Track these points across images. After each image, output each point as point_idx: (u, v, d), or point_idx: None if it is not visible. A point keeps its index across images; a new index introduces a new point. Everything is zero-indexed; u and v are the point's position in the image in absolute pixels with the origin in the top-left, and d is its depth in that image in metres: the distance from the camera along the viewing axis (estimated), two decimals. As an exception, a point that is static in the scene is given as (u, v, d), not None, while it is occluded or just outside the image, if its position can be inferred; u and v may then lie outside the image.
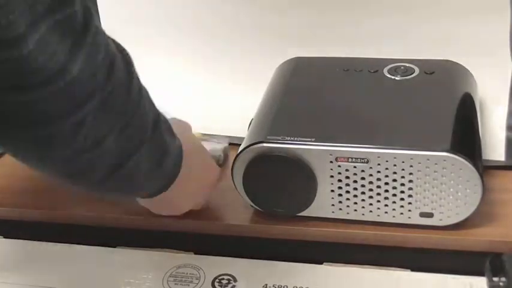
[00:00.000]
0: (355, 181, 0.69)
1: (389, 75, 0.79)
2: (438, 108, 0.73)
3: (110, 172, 0.54)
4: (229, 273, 0.72)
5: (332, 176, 0.69)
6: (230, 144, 0.78)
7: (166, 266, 0.74)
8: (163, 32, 0.94)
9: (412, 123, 0.71)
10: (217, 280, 0.71)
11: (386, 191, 0.69)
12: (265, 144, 0.70)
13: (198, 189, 0.70)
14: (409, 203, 0.69)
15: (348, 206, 0.71)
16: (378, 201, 0.70)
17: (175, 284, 0.71)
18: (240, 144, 0.72)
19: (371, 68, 0.81)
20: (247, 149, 0.70)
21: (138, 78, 0.54)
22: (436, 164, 0.66)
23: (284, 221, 0.73)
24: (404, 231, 0.71)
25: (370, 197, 0.69)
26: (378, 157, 0.67)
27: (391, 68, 0.80)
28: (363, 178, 0.69)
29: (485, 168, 0.71)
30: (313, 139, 0.69)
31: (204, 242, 0.76)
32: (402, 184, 0.68)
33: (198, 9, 0.92)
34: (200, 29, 0.93)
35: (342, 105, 0.76)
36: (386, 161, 0.67)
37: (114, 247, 0.78)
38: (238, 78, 0.93)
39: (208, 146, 0.73)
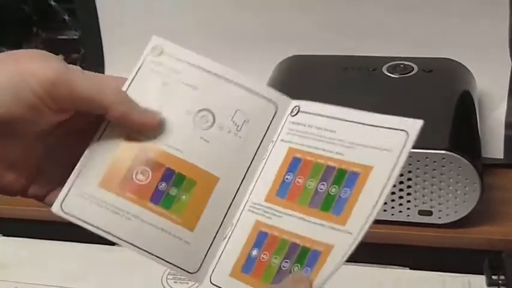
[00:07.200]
0: (354, 179, 0.69)
1: (388, 73, 0.79)
2: (437, 107, 0.73)
3: None
4: (228, 271, 0.72)
5: (331, 175, 0.69)
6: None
7: (165, 264, 0.74)
8: (163, 34, 0.94)
9: (411, 122, 0.71)
10: (216, 278, 0.71)
11: (386, 189, 0.69)
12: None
13: None
14: (408, 201, 0.69)
15: (347, 204, 0.71)
16: (377, 199, 0.70)
17: (174, 282, 0.71)
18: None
19: (370, 66, 0.80)
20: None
21: None
22: (435, 162, 0.66)
23: (283, 219, 0.73)
24: (403, 229, 0.71)
25: (369, 195, 0.69)
26: (377, 155, 0.67)
27: (390, 66, 0.80)
28: (362, 176, 0.68)
29: (484, 166, 0.71)
30: (312, 137, 0.69)
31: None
32: (401, 182, 0.68)
33: (198, 9, 0.92)
34: (199, 29, 0.93)
35: (341, 103, 0.76)
36: (386, 160, 0.67)
37: (113, 245, 0.78)
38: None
39: None
